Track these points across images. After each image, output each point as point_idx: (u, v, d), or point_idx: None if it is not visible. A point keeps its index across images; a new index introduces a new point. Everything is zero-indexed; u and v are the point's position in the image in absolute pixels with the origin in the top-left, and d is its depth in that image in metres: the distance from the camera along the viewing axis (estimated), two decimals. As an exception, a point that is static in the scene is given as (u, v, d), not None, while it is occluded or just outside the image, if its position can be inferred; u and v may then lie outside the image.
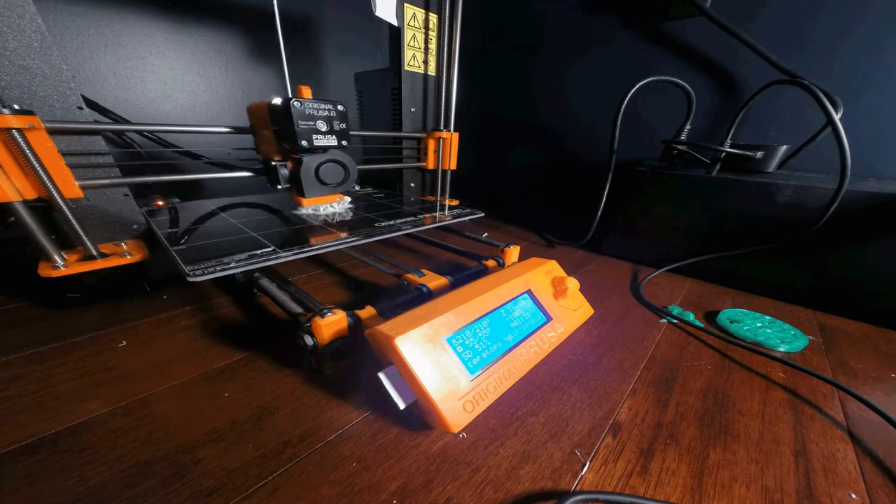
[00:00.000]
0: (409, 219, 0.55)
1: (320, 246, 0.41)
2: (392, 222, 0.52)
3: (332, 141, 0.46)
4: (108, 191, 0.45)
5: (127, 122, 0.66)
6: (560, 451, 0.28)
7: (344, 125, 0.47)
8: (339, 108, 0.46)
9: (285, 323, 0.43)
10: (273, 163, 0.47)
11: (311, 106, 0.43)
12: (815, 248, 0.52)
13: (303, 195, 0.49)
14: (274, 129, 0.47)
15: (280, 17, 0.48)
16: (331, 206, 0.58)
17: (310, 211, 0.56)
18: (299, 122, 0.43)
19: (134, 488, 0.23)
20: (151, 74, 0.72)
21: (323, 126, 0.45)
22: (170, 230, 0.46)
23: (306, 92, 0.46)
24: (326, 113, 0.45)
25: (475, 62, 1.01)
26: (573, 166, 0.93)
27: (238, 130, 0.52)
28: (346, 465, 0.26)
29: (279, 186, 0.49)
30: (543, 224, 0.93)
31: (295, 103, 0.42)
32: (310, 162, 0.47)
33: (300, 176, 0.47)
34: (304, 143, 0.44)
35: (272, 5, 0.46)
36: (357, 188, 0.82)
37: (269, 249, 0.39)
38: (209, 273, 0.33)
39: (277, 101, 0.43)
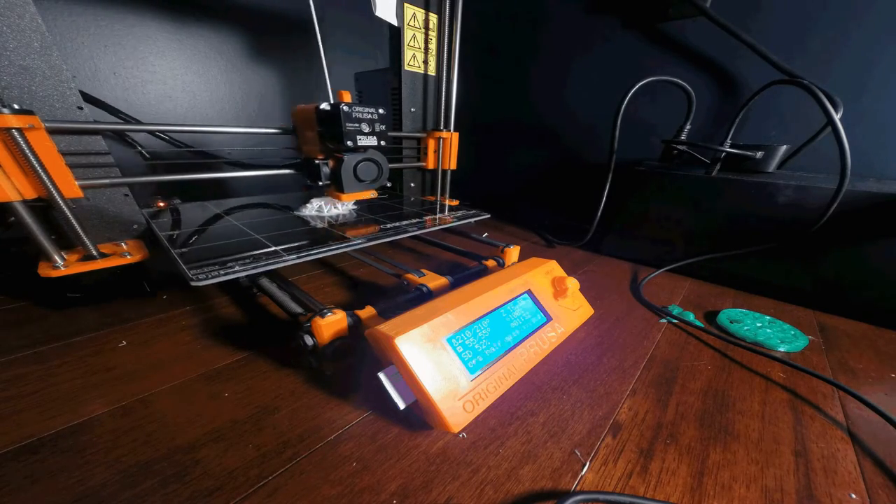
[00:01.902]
0: (413, 220, 0.55)
1: (326, 249, 0.41)
2: (397, 224, 0.53)
3: (372, 141, 0.50)
4: (108, 190, 0.45)
5: (138, 121, 0.67)
6: (560, 451, 0.28)
7: (384, 127, 0.51)
8: (381, 111, 0.50)
9: (285, 323, 0.43)
10: (317, 161, 0.51)
11: (357, 110, 0.47)
12: (815, 248, 0.52)
13: (342, 191, 0.52)
14: (319, 131, 0.50)
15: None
16: (335, 208, 0.59)
17: (314, 212, 0.57)
18: (347, 124, 0.46)
19: (134, 488, 0.23)
20: (151, 74, 0.72)
21: (366, 128, 0.49)
22: (171, 232, 0.46)
23: (346, 96, 0.50)
24: (370, 116, 0.49)
25: (475, 62, 1.01)
26: (573, 166, 0.93)
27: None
28: (346, 465, 0.26)
29: (320, 183, 0.52)
30: (543, 224, 0.94)
31: (344, 108, 0.46)
32: (350, 160, 0.50)
33: (341, 173, 0.50)
34: (349, 143, 0.47)
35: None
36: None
37: (273, 252, 0.39)
38: (213, 277, 0.33)
39: (326, 105, 0.48)
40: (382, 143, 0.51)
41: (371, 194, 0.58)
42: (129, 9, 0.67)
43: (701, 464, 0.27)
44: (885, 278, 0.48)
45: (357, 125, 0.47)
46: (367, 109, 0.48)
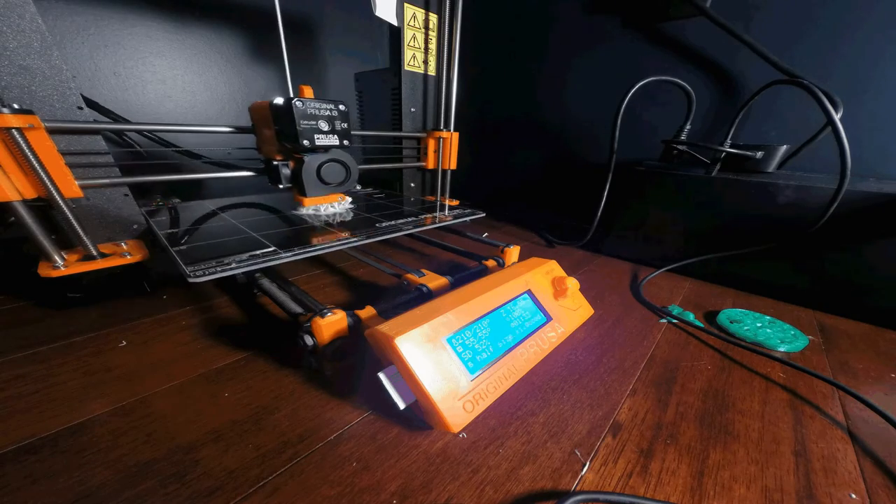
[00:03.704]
0: (410, 219, 0.55)
1: (322, 246, 0.41)
2: (393, 222, 0.52)
3: (333, 141, 0.46)
4: (108, 190, 0.45)
5: (127, 121, 0.66)
6: (560, 451, 0.28)
7: (346, 125, 0.47)
8: (341, 107, 0.46)
9: (285, 323, 0.43)
10: (275, 162, 0.48)
11: (312, 105, 0.44)
12: (815, 248, 0.52)
13: (304, 195, 0.49)
14: (276, 129, 0.47)
15: (281, 17, 0.48)
16: (332, 207, 0.58)
17: (311, 211, 0.56)
18: (301, 121, 0.43)
19: (134, 488, 0.23)
20: (151, 74, 0.72)
21: (325, 126, 0.45)
22: (170, 230, 0.45)
23: (308, 92, 0.46)
24: (328, 112, 0.45)
25: (475, 62, 1.01)
26: (573, 166, 0.93)
27: (239, 130, 0.52)
28: (346, 465, 0.26)
29: (280, 186, 0.49)
30: (543, 224, 0.94)
31: (297, 103, 0.42)
32: (311, 162, 0.47)
33: (302, 176, 0.47)
34: (305, 142, 0.44)
35: (272, 5, 0.46)
36: (358, 188, 0.82)
37: (271, 250, 0.39)
38: (210, 274, 0.33)
39: (279, 100, 0.44)
40: (346, 142, 0.47)
41: (339, 198, 0.55)
42: (129, 9, 0.67)
43: (701, 464, 0.27)
44: (885, 278, 0.48)
45: (314, 123, 0.43)
46: (324, 105, 0.44)
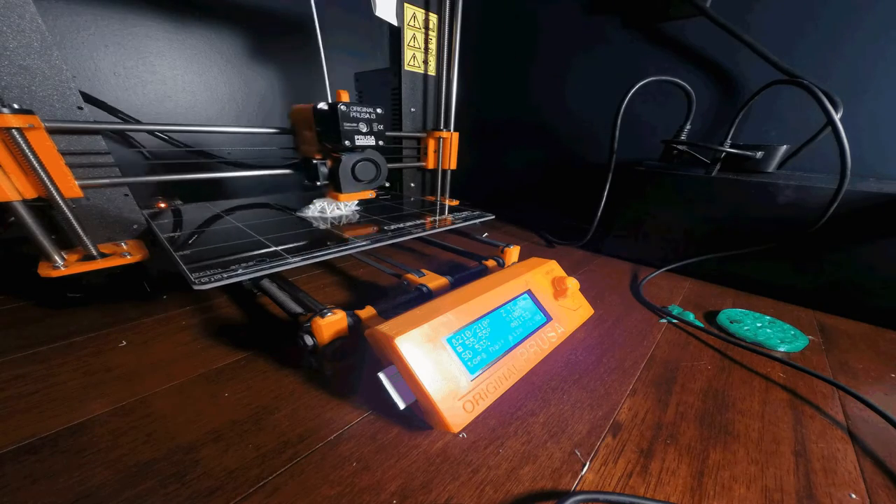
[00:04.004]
0: (417, 222, 0.55)
1: (329, 251, 0.41)
2: (401, 225, 0.53)
3: (370, 141, 0.50)
4: (108, 190, 0.45)
5: (138, 121, 0.66)
6: (560, 451, 0.28)
7: (381, 126, 0.51)
8: (378, 111, 0.49)
9: (285, 323, 0.43)
10: (314, 161, 0.51)
11: (355, 109, 0.47)
12: (815, 248, 0.52)
13: (340, 191, 0.52)
14: (317, 130, 0.49)
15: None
16: (338, 209, 0.59)
17: (316, 213, 0.57)
18: (344, 123, 0.46)
19: (134, 488, 0.23)
20: (151, 74, 0.72)
21: (364, 128, 0.48)
22: (172, 234, 0.45)
23: (344, 95, 0.50)
24: (367, 116, 0.48)
25: (475, 62, 1.01)
26: (573, 166, 0.93)
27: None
28: (346, 465, 0.26)
29: (318, 183, 0.52)
30: (543, 224, 0.94)
31: (342, 107, 0.45)
32: (347, 160, 0.50)
33: (339, 173, 0.50)
34: (347, 143, 0.47)
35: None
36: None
37: (275, 252, 0.39)
38: (216, 281, 0.32)
39: (323, 105, 0.47)
40: (381, 142, 0.51)
41: (370, 194, 0.58)
42: (129, 8, 0.67)
43: (701, 464, 0.27)
44: (885, 278, 0.48)
45: (355, 125, 0.47)
46: (365, 109, 0.48)
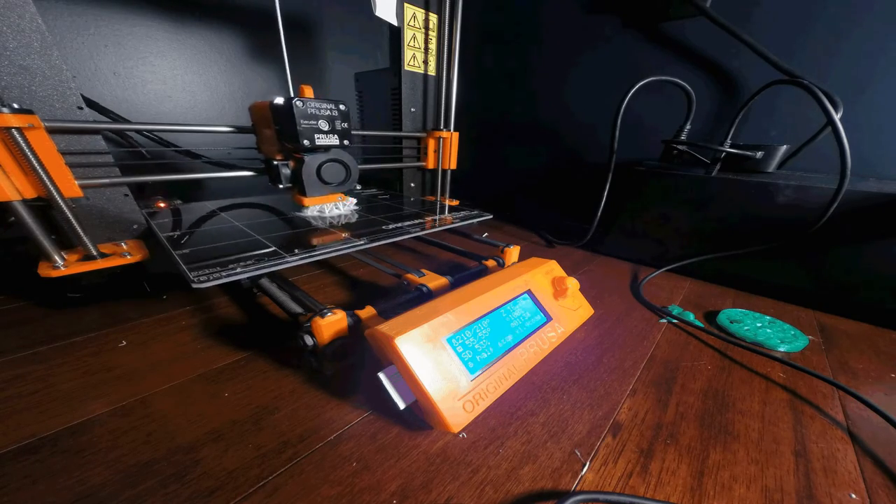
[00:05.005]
0: (416, 221, 0.54)
1: (328, 250, 0.41)
2: (400, 225, 0.52)
3: (333, 140, 0.46)
4: (108, 190, 0.45)
5: (126, 121, 0.66)
6: (560, 451, 0.28)
7: (346, 125, 0.47)
8: (341, 107, 0.46)
9: (285, 323, 0.43)
10: (275, 162, 0.48)
11: (313, 105, 0.44)
12: (815, 249, 0.52)
13: (304, 195, 0.49)
14: (276, 129, 0.47)
15: (281, 17, 0.48)
16: (336, 208, 0.58)
17: (315, 213, 0.56)
18: (301, 121, 0.43)
19: (134, 488, 0.23)
20: (151, 74, 0.72)
21: (325, 125, 0.45)
22: (172, 233, 0.45)
23: (308, 91, 0.47)
24: (328, 112, 0.45)
25: (475, 62, 1.01)
26: (573, 166, 0.93)
27: (239, 130, 0.52)
28: (346, 465, 0.26)
29: (280, 186, 0.49)
30: (543, 224, 0.94)
31: (297, 102, 0.42)
32: (311, 161, 0.47)
33: (302, 175, 0.47)
34: (305, 142, 0.44)
35: (272, 5, 0.46)
36: (358, 188, 0.82)
37: (273, 251, 0.39)
38: (215, 279, 0.32)
39: (279, 100, 0.44)
40: (345, 142, 0.47)
41: (338, 197, 0.55)
42: (129, 9, 0.67)
43: (701, 464, 0.27)
44: (885, 278, 0.48)
45: (314, 122, 0.44)
46: (325, 105, 0.44)
